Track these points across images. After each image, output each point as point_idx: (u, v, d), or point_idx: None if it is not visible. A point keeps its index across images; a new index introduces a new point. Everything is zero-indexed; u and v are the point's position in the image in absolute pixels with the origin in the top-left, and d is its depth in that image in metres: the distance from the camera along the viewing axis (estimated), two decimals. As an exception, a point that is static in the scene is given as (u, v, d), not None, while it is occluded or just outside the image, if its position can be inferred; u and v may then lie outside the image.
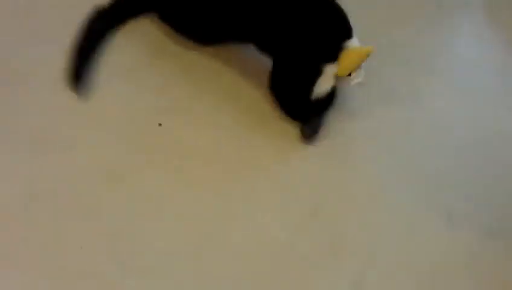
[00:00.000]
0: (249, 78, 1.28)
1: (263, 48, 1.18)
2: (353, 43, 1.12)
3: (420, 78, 1.38)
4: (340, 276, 1.07)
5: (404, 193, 1.19)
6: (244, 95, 1.26)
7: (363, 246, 1.11)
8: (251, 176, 1.16)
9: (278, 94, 1.18)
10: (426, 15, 1.51)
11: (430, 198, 1.19)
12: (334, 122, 1.26)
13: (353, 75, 1.15)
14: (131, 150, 1.16)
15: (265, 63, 1.20)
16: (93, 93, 1.22)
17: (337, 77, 1.15)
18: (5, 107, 1.19)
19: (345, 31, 1.12)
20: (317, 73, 1.11)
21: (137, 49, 1.30)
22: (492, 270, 1.11)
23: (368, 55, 1.12)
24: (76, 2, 1.31)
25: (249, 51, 1.25)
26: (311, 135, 1.20)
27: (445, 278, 1.09)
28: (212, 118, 1.22)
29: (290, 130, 1.22)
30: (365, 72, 1.16)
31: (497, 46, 1.49)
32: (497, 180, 1.24)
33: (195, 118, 1.23)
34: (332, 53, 1.09)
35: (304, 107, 1.19)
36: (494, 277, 1.10)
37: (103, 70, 1.26)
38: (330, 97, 1.20)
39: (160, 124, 1.20)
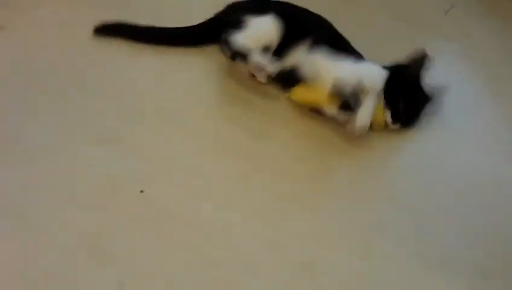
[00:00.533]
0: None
1: None
2: None
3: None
4: None
5: (396, 241, 1.18)
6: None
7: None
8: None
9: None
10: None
11: (422, 245, 1.18)
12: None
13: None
14: (114, 220, 1.15)
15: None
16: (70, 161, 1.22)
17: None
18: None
19: None
20: None
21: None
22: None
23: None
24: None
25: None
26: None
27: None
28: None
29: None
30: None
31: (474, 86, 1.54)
32: (484, 222, 1.24)
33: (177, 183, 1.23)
34: None
35: None
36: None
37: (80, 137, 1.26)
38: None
39: (142, 191, 1.19)
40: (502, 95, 1.52)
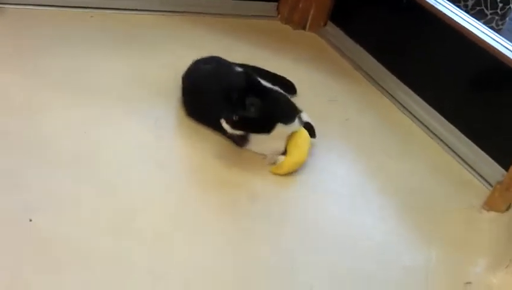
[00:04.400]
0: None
1: None
2: None
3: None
4: None
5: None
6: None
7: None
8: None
9: None
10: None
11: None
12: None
13: None
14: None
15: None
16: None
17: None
18: None
19: None
20: None
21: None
22: None
23: None
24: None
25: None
26: None
27: None
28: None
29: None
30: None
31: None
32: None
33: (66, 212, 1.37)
34: None
35: None
36: None
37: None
38: None
39: (30, 220, 1.31)
40: (369, 167, 1.84)
